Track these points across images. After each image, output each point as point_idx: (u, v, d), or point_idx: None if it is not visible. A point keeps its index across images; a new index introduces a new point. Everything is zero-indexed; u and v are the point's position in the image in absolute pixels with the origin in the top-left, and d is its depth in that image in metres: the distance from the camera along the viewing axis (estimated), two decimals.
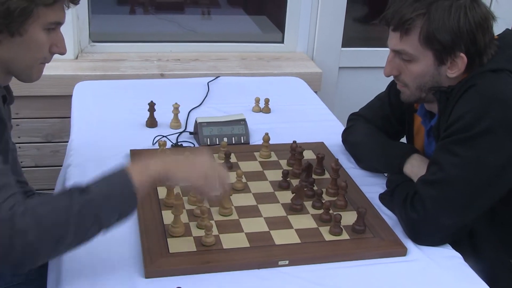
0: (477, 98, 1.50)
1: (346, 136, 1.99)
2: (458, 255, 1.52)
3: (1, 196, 1.16)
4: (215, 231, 1.49)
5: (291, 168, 1.81)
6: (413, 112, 1.81)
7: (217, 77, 2.59)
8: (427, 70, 1.58)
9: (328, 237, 1.52)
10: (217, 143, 1.96)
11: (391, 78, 1.73)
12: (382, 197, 1.71)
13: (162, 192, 1.62)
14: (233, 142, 1.99)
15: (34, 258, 1.18)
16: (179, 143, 1.97)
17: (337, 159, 1.75)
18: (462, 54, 1.53)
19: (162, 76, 2.68)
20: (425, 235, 1.53)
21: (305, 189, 1.65)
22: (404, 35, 1.55)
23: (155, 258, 1.38)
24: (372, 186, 1.79)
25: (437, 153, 1.55)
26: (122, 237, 1.48)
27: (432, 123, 1.69)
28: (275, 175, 1.78)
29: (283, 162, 1.87)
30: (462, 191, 1.49)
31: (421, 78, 1.60)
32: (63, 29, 1.47)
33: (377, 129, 1.90)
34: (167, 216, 1.52)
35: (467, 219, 1.54)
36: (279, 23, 3.16)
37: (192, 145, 1.98)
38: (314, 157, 1.87)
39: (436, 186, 1.52)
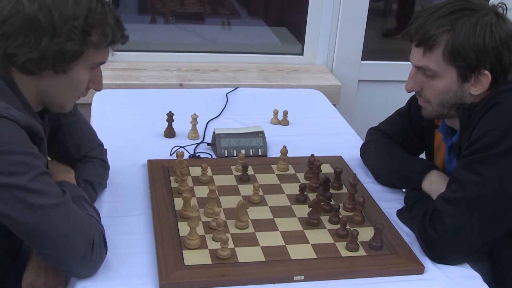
0: (501, 116, 1.47)
1: (365, 151, 1.97)
2: (476, 274, 1.50)
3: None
4: (230, 244, 1.48)
5: (308, 182, 1.80)
6: (434, 128, 1.79)
7: (236, 88, 2.59)
8: (450, 86, 1.56)
9: (344, 253, 1.51)
10: (235, 155, 1.95)
11: (412, 93, 1.72)
12: (400, 213, 1.69)
13: (178, 203, 1.62)
14: (251, 154, 1.98)
15: None
16: (197, 154, 1.97)
17: (355, 174, 1.74)
18: (486, 72, 1.51)
19: (181, 86, 2.69)
20: (444, 254, 1.51)
21: (322, 203, 1.64)
22: (427, 51, 1.54)
23: (170, 270, 1.37)
24: (390, 202, 1.77)
25: (459, 170, 1.53)
26: (137, 248, 1.48)
27: (453, 140, 1.67)
28: (292, 188, 1.77)
29: (301, 176, 1.86)
30: (483, 210, 1.47)
31: (443, 95, 1.58)
32: None
33: (396, 144, 1.88)
34: (183, 228, 1.51)
35: (487, 239, 1.51)
36: (299, 35, 3.16)
37: (209, 157, 1.97)
38: (332, 171, 1.85)
39: (456, 204, 1.49)
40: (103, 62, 1.44)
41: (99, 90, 1.50)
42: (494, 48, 1.49)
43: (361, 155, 1.99)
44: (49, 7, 1.28)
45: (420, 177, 1.71)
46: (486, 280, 1.49)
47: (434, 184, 1.68)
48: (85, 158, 1.67)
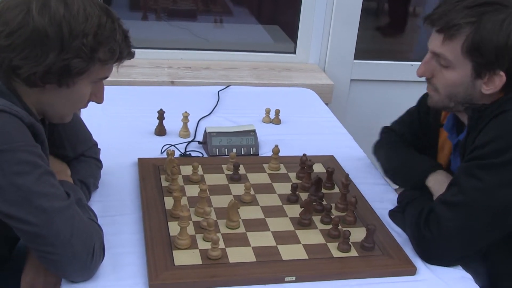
0: (506, 125, 1.44)
1: (375, 149, 1.97)
2: (468, 276, 1.49)
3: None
4: (221, 244, 1.47)
5: (300, 182, 1.79)
6: (438, 127, 1.77)
7: (227, 86, 2.57)
8: (462, 80, 1.51)
9: (336, 253, 1.50)
10: (226, 153, 1.94)
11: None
12: (392, 214, 1.68)
13: (169, 202, 1.60)
14: (242, 153, 1.96)
15: None
16: (188, 153, 1.95)
17: (347, 174, 1.73)
18: (502, 73, 1.46)
19: (172, 83, 2.67)
20: (437, 255, 1.50)
21: (314, 203, 1.63)
22: (447, 39, 1.49)
23: (160, 271, 1.36)
24: (382, 202, 1.76)
25: (460, 174, 1.50)
26: (127, 248, 1.47)
27: (460, 138, 1.64)
28: (284, 188, 1.75)
29: (292, 175, 1.84)
30: (482, 217, 1.45)
31: (453, 87, 1.53)
32: None
33: (405, 143, 1.87)
34: (173, 228, 1.50)
35: (482, 245, 1.50)
36: (292, 33, 3.14)
37: (200, 155, 1.96)
38: (324, 170, 1.84)
39: (455, 208, 1.47)
40: (107, 77, 1.43)
41: (100, 103, 1.48)
42: None
43: (373, 153, 1.99)
44: (59, 22, 1.26)
45: (425, 174, 1.68)
46: (481, 282, 1.48)
47: (438, 183, 1.65)
48: (81, 157, 1.66)
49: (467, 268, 1.51)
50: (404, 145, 1.86)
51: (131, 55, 1.43)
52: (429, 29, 1.56)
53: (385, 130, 1.99)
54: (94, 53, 1.31)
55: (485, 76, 1.49)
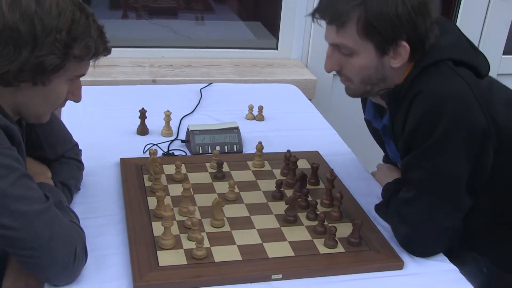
0: (425, 106, 1.44)
1: None
2: (455, 268, 1.49)
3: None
4: (206, 243, 1.45)
5: (284, 178, 1.78)
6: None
7: (210, 84, 2.55)
8: (370, 62, 1.50)
9: (322, 250, 1.48)
10: (210, 151, 1.92)
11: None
12: (378, 208, 1.68)
13: (152, 202, 1.58)
14: (226, 151, 1.95)
15: None
16: (171, 152, 1.93)
17: (332, 169, 1.72)
18: (404, 43, 1.45)
19: (154, 82, 2.65)
20: (419, 247, 1.51)
21: (299, 200, 1.62)
22: (340, 28, 1.47)
23: (144, 272, 1.34)
24: (368, 196, 1.75)
25: (404, 171, 1.54)
26: (110, 249, 1.45)
27: (385, 122, 1.64)
28: (269, 185, 1.74)
29: (277, 172, 1.83)
30: (439, 199, 1.47)
31: (364, 72, 1.52)
32: None
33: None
34: (157, 228, 1.48)
35: (454, 223, 1.51)
36: (274, 29, 3.13)
37: (183, 154, 1.94)
38: (309, 166, 1.83)
39: (412, 203, 1.49)
40: (83, 74, 1.39)
41: (77, 101, 1.45)
42: (408, 18, 1.42)
43: None
44: (31, 17, 1.22)
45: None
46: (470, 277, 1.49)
47: (383, 173, 1.77)
48: (61, 158, 1.63)
49: (461, 269, 1.51)
50: None
51: (107, 51, 1.39)
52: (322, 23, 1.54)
53: None
54: (68, 49, 1.27)
55: (389, 51, 1.48)
